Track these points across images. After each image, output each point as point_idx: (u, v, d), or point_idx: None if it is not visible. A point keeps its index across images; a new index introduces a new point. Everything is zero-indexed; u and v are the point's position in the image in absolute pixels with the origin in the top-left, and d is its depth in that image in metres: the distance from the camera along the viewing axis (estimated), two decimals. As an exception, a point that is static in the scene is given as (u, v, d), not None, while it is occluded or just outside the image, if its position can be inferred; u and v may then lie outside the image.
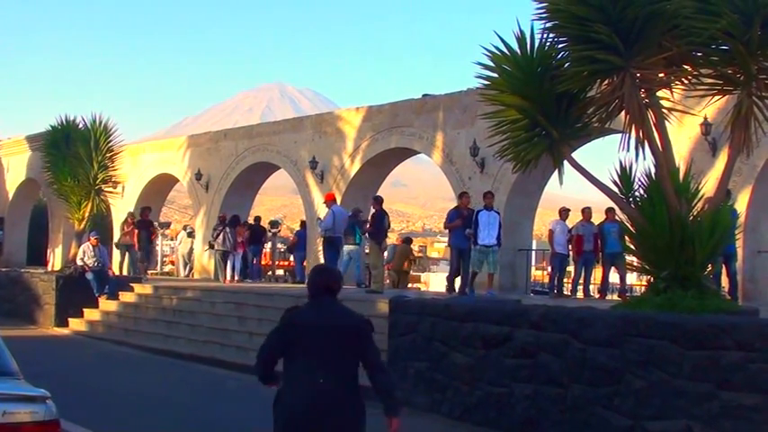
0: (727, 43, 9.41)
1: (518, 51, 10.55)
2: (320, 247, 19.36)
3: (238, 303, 18.19)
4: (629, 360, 8.96)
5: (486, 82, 11.03)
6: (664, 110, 10.18)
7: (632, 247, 10.51)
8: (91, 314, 21.42)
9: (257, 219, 26.18)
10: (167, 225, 39.35)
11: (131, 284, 21.81)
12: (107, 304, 21.47)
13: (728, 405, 8.20)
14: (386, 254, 20.70)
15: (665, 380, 8.60)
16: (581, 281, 17.83)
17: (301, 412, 5.40)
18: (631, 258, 11.18)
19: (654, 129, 10.01)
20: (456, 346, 11.14)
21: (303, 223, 24.79)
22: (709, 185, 12.33)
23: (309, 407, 5.38)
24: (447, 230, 17.64)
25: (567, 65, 10.35)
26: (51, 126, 25.59)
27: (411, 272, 27.51)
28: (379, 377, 5.61)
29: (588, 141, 16.44)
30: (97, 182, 24.07)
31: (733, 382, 8.23)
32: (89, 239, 22.32)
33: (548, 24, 10.22)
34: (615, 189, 10.45)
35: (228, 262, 22.81)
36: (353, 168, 22.65)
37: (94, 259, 21.82)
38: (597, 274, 18.16)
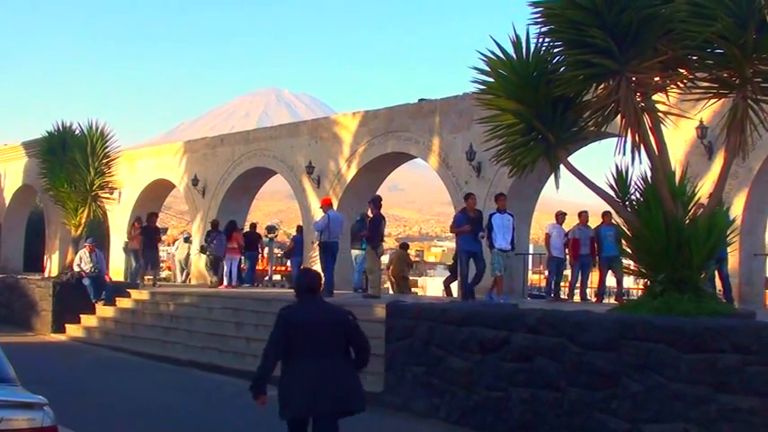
0: (722, 47, 9.42)
1: (514, 56, 10.56)
2: (316, 252, 19.31)
3: (236, 309, 18.16)
4: (627, 363, 8.96)
5: (483, 86, 11.04)
6: (659, 113, 10.19)
7: (629, 250, 10.51)
8: (88, 320, 21.40)
9: (253, 225, 26.18)
10: (164, 231, 39.35)
11: (128, 290, 21.79)
12: (104, 310, 21.44)
13: (725, 408, 8.21)
14: (386, 261, 20.68)
15: (663, 383, 8.60)
16: (578, 284, 17.85)
17: (305, 392, 6.39)
18: (628, 262, 11.16)
19: (650, 132, 10.03)
20: (453, 350, 11.14)
21: (300, 228, 24.79)
22: (705, 189, 12.37)
23: (310, 387, 6.39)
24: (454, 234, 16.97)
25: (562, 69, 10.36)
26: (48, 132, 25.62)
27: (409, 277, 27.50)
28: (360, 355, 6.80)
29: (584, 145, 16.48)
30: (94, 188, 24.07)
31: (730, 385, 8.24)
32: (86, 245, 22.31)
33: (543, 29, 10.23)
34: (611, 193, 10.46)
35: (225, 268, 22.81)
36: (350, 173, 22.66)
37: (91, 265, 21.81)
38: (594, 277, 18.19)
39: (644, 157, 10.00)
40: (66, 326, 21.56)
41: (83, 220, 24.17)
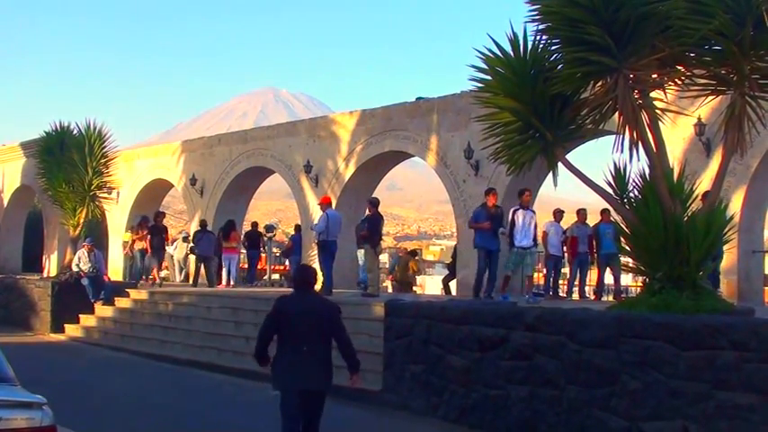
0: (720, 43, 9.42)
1: (511, 54, 10.57)
2: (315, 251, 19.28)
3: (234, 308, 18.16)
4: (625, 361, 8.98)
5: (480, 85, 11.04)
6: (657, 111, 10.19)
7: (627, 248, 10.52)
8: (87, 320, 21.41)
9: (254, 224, 26.24)
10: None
11: (127, 290, 21.79)
12: (103, 310, 21.45)
13: (724, 405, 8.22)
14: (385, 261, 20.60)
15: (661, 380, 8.62)
16: (576, 282, 17.83)
17: (294, 370, 7.53)
18: (626, 259, 11.17)
19: (648, 130, 10.03)
20: (452, 348, 11.15)
21: (298, 227, 24.80)
22: (703, 186, 12.37)
23: (298, 366, 7.53)
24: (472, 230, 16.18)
25: (560, 67, 10.36)
26: (45, 132, 25.62)
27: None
28: (344, 347, 7.83)
29: (582, 143, 16.46)
30: (92, 188, 24.08)
31: (729, 382, 8.25)
32: (84, 245, 22.30)
33: (541, 26, 10.24)
34: (609, 190, 10.46)
35: (224, 267, 22.82)
36: (348, 172, 22.66)
37: (90, 265, 21.81)
38: (592, 275, 18.18)
39: (642, 154, 10.00)
40: (65, 326, 21.57)
41: (81, 220, 24.17)
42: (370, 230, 17.29)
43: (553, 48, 10.46)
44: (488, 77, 10.87)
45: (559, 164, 10.95)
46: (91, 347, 19.50)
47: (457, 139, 19.83)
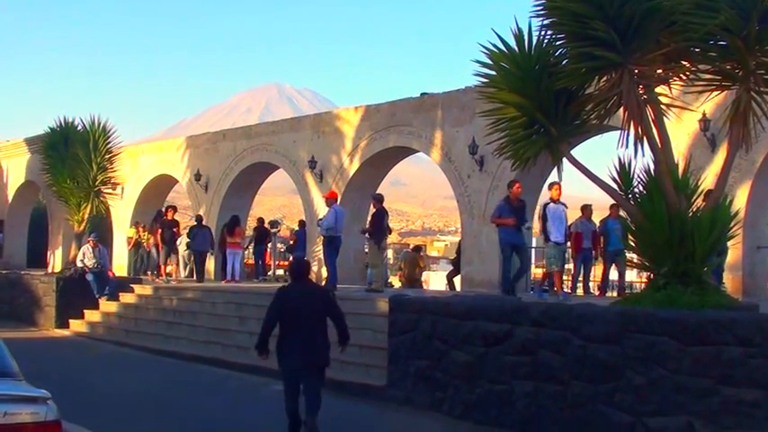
0: (725, 39, 9.40)
1: (516, 49, 10.54)
2: (320, 246, 19.28)
3: (239, 304, 18.19)
4: (630, 356, 8.96)
5: (485, 80, 11.01)
6: (662, 106, 10.17)
7: (632, 243, 10.50)
8: (91, 315, 21.45)
9: (260, 220, 26.32)
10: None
11: (131, 285, 21.85)
12: (107, 305, 21.50)
13: (729, 401, 8.21)
14: (390, 257, 20.57)
15: (666, 376, 8.60)
16: (580, 278, 17.81)
17: (296, 349, 8.75)
18: (631, 255, 11.15)
19: (652, 125, 10.00)
20: (456, 344, 11.14)
21: (302, 223, 24.82)
22: (708, 181, 12.34)
23: (300, 345, 8.75)
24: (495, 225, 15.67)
25: (564, 62, 10.33)
26: (50, 128, 25.66)
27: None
28: (338, 321, 9.16)
29: (587, 138, 16.43)
30: (96, 183, 24.12)
31: (733, 377, 8.24)
32: (89, 241, 22.34)
33: (545, 21, 10.20)
34: (614, 186, 10.44)
35: (228, 263, 22.88)
36: (352, 168, 22.65)
37: (94, 260, 21.86)
38: (596, 271, 18.15)
39: (647, 149, 9.97)
40: (70, 321, 21.64)
41: (86, 216, 24.21)
42: (374, 226, 17.28)
43: (558, 43, 10.43)
44: (493, 73, 10.83)
45: (564, 159, 10.94)
46: (95, 343, 19.55)
47: (461, 134, 19.81)
